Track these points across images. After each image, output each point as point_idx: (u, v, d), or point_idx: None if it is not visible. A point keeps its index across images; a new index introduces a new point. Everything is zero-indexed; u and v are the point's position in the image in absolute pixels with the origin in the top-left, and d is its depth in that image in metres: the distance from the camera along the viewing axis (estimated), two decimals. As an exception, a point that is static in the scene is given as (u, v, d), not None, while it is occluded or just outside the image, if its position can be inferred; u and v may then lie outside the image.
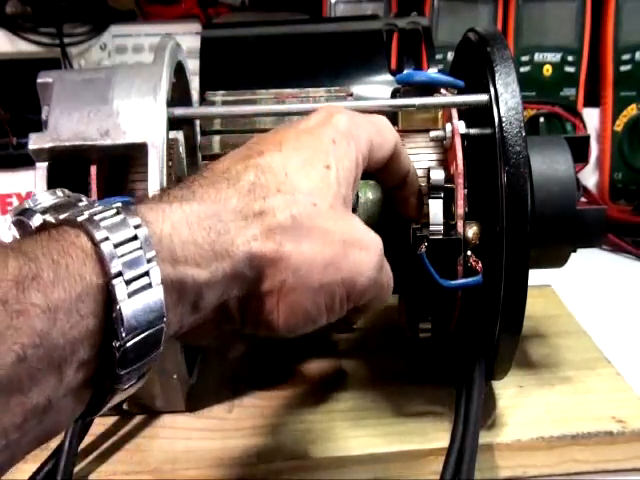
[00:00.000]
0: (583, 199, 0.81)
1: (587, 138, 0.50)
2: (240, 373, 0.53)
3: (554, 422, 0.46)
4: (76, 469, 0.42)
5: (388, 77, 0.63)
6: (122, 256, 0.25)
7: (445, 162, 0.44)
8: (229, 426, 0.47)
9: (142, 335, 0.26)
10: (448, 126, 0.43)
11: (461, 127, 0.43)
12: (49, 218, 0.27)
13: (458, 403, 0.42)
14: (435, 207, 0.41)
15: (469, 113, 0.44)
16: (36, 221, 0.27)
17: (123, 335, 0.25)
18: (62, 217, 0.27)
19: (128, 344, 0.25)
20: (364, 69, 0.64)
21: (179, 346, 0.45)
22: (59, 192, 0.30)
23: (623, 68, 0.83)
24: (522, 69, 0.83)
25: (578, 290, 0.64)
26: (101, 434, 0.46)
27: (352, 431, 0.46)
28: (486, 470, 0.44)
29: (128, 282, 0.25)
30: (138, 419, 0.48)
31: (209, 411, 0.49)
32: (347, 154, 0.35)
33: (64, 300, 0.23)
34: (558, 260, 0.46)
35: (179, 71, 0.49)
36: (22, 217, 0.28)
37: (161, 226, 0.28)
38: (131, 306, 0.25)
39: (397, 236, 0.44)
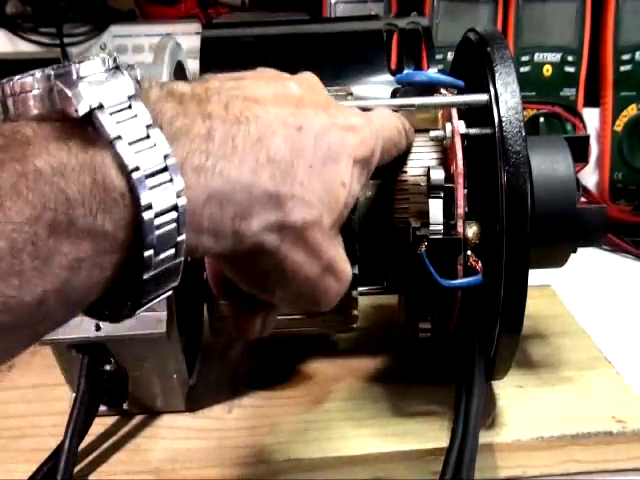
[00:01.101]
0: (583, 199, 0.81)
1: (587, 138, 0.50)
2: (240, 373, 0.53)
3: (554, 422, 0.46)
4: (76, 469, 0.42)
5: (388, 77, 0.63)
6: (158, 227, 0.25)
7: (445, 162, 0.44)
8: (229, 426, 0.47)
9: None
10: (448, 126, 0.43)
11: (461, 127, 0.43)
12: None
13: (458, 403, 0.42)
14: (435, 207, 0.41)
15: (469, 113, 0.44)
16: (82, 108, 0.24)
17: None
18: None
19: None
20: (364, 69, 0.64)
21: (179, 346, 0.45)
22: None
23: (623, 68, 0.83)
24: (522, 69, 0.83)
25: (578, 290, 0.64)
26: (101, 434, 0.46)
27: (352, 431, 0.46)
28: (486, 470, 0.44)
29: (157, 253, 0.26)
30: (138, 419, 0.48)
31: (209, 411, 0.49)
32: (360, 179, 0.35)
33: (90, 255, 0.24)
34: (558, 260, 0.46)
35: (179, 71, 0.49)
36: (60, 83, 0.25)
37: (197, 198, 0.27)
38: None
39: (397, 236, 0.44)
